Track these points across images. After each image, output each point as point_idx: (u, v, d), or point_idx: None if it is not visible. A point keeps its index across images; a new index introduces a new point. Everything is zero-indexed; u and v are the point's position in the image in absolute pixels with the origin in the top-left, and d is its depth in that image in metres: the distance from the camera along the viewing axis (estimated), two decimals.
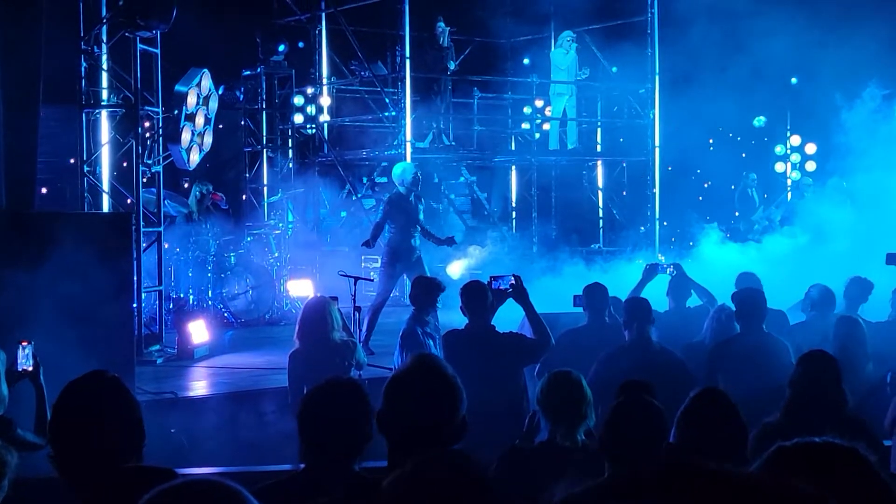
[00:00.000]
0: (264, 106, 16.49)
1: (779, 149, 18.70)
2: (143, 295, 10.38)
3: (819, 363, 4.64)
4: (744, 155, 19.85)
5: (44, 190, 12.92)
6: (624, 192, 18.01)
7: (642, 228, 16.84)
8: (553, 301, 8.64)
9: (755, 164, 18.65)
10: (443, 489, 1.76)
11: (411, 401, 2.76)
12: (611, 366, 5.99)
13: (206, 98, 11.24)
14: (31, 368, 4.66)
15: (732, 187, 18.23)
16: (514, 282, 6.47)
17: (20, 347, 4.66)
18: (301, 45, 17.00)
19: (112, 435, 2.94)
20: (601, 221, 17.79)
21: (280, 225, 14.26)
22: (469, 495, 1.79)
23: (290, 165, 16.49)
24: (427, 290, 7.19)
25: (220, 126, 14.08)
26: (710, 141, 19.21)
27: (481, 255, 13.80)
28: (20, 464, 3.28)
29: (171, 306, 11.90)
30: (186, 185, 13.36)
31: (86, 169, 10.47)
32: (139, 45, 10.35)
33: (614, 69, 17.18)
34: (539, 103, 17.12)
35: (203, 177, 13.41)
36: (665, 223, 16.68)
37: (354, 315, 9.19)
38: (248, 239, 13.26)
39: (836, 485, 1.51)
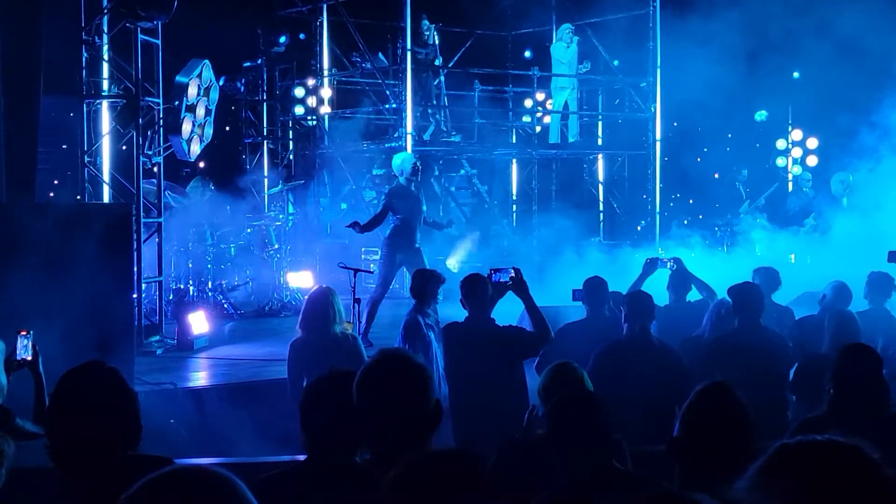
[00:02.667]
0: (265, 97, 16.48)
1: (780, 143, 18.68)
2: (143, 285, 10.38)
3: (860, 356, 4.61)
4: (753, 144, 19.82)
5: (45, 181, 12.92)
6: (625, 175, 17.99)
7: (643, 223, 16.85)
8: (553, 294, 8.65)
9: (756, 159, 18.64)
10: (444, 487, 1.76)
11: (379, 394, 2.77)
12: (608, 360, 5.99)
13: (207, 89, 11.22)
14: (30, 358, 4.66)
15: (716, 175, 18.24)
16: (513, 274, 6.47)
17: (19, 337, 4.66)
18: (302, 36, 16.97)
19: (107, 425, 2.94)
20: (601, 215, 17.79)
21: (280, 216, 14.25)
22: (468, 493, 1.79)
23: (291, 157, 16.48)
24: (427, 283, 7.18)
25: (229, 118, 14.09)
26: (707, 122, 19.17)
27: (473, 240, 13.88)
28: (18, 453, 3.28)
29: (171, 297, 11.90)
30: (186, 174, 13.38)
31: (86, 159, 10.46)
32: (140, 36, 10.32)
33: (616, 62, 17.15)
34: (540, 96, 17.10)
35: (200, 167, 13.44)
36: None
37: (354, 307, 9.18)
38: (248, 230, 13.26)
39: (839, 483, 1.50)
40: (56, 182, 14.15)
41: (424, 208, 10.77)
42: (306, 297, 6.95)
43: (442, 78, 15.52)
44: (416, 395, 2.77)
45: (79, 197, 10.53)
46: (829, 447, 1.57)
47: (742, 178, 16.33)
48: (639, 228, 16.94)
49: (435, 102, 15.43)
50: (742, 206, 15.93)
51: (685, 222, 16.37)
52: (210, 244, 12.54)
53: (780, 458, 1.59)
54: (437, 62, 15.21)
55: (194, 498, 1.58)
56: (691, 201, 18.28)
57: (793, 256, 12.33)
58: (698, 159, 19.61)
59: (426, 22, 14.85)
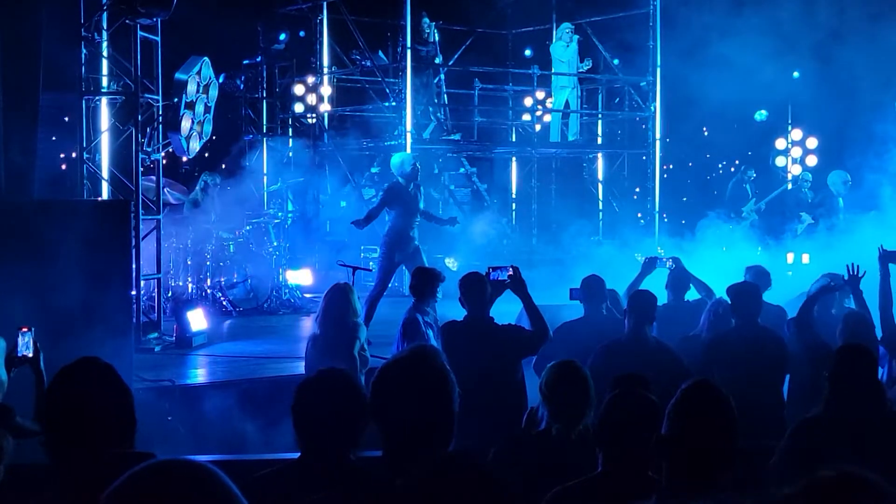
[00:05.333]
0: (265, 95, 16.48)
1: (780, 143, 18.69)
2: (142, 283, 10.38)
3: (856, 356, 4.61)
4: (749, 153, 19.87)
5: (44, 177, 12.89)
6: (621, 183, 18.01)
7: (642, 221, 16.85)
8: (551, 293, 8.64)
9: (755, 157, 18.65)
10: (456, 495, 1.75)
11: (399, 391, 2.75)
12: (607, 359, 5.98)
13: (206, 86, 11.22)
14: (31, 355, 4.64)
15: (714, 171, 18.23)
16: (512, 273, 6.47)
17: (20, 334, 4.64)
18: (302, 34, 16.97)
19: (102, 421, 2.94)
20: (601, 213, 17.80)
21: (279, 214, 14.25)
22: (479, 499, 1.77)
23: (290, 155, 16.47)
24: (427, 281, 7.20)
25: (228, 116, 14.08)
26: (705, 131, 19.20)
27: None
28: (18, 451, 3.28)
29: (169, 294, 11.90)
30: (196, 174, 13.35)
31: (85, 156, 10.45)
32: (139, 33, 10.31)
33: (616, 61, 17.17)
34: (540, 95, 17.09)
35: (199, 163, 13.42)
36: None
37: None
38: (248, 228, 13.26)
39: None
40: (55, 179, 14.12)
41: (422, 205, 10.77)
42: (325, 295, 7.02)
43: (442, 76, 15.52)
44: (441, 396, 2.76)
45: (77, 194, 10.52)
46: (856, 484, 1.54)
47: (749, 178, 16.39)
48: (642, 221, 16.94)
49: (436, 101, 15.43)
50: (747, 205, 15.97)
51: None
52: (212, 242, 12.54)
53: (809, 493, 1.57)
54: (438, 60, 15.22)
55: (179, 490, 1.57)
56: (685, 198, 18.29)
57: (790, 256, 12.31)
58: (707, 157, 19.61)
59: (426, 20, 14.86)
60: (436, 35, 15.08)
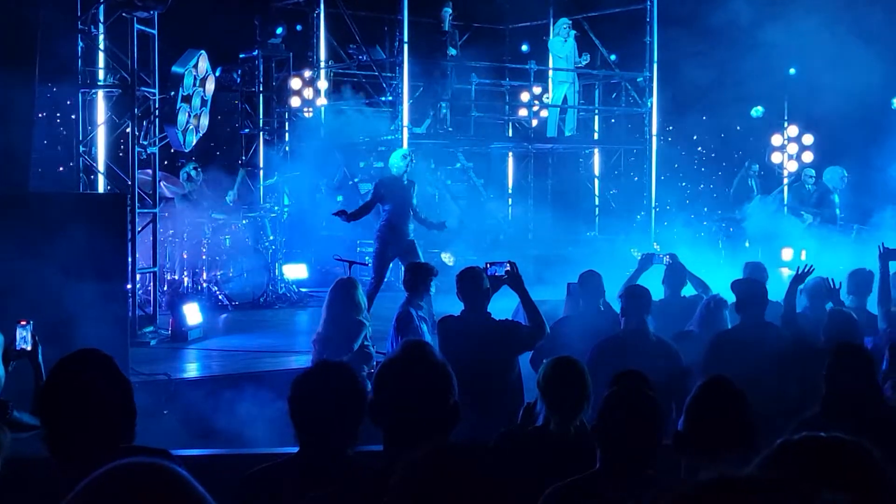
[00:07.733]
0: (261, 89, 16.45)
1: (776, 139, 18.68)
2: (138, 276, 10.36)
3: (851, 356, 4.61)
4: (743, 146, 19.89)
5: (39, 170, 12.87)
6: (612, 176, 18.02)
7: (638, 217, 16.85)
8: (548, 288, 8.65)
9: (753, 154, 18.64)
10: (452, 483, 1.75)
11: (401, 390, 2.74)
12: (606, 355, 5.98)
13: (203, 80, 11.19)
14: (29, 348, 4.61)
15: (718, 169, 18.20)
16: (509, 268, 6.46)
17: (18, 327, 4.62)
18: (299, 28, 16.94)
19: (101, 414, 2.92)
20: (597, 209, 17.79)
21: (276, 208, 14.23)
22: (476, 489, 1.77)
23: (287, 149, 16.45)
24: (419, 275, 7.21)
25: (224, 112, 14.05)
26: (704, 118, 19.20)
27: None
28: (16, 445, 3.27)
29: (165, 288, 11.89)
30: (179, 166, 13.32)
31: (81, 149, 10.43)
32: (136, 26, 10.30)
33: (613, 57, 17.16)
34: (537, 90, 17.09)
35: (196, 157, 13.37)
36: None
37: None
38: (244, 222, 13.24)
39: (841, 478, 1.49)
40: (51, 172, 14.11)
41: (415, 201, 10.75)
42: (329, 290, 7.04)
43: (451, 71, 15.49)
44: (439, 391, 2.76)
45: (73, 187, 10.49)
46: (831, 443, 1.57)
47: (753, 173, 16.36)
48: (639, 216, 16.96)
49: (449, 95, 15.38)
50: (752, 200, 15.95)
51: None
52: (208, 235, 12.51)
53: (783, 453, 1.59)
54: (452, 52, 15.17)
55: (142, 494, 1.56)
56: (683, 184, 18.36)
57: (788, 252, 12.30)
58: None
59: (448, 9, 14.83)
60: (450, 25, 15.04)
